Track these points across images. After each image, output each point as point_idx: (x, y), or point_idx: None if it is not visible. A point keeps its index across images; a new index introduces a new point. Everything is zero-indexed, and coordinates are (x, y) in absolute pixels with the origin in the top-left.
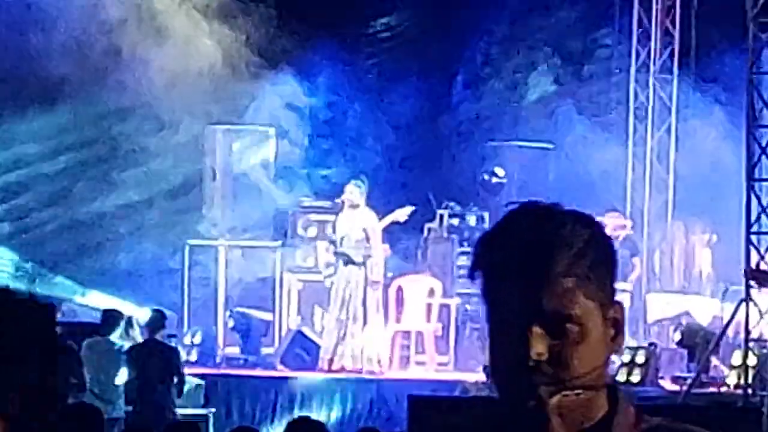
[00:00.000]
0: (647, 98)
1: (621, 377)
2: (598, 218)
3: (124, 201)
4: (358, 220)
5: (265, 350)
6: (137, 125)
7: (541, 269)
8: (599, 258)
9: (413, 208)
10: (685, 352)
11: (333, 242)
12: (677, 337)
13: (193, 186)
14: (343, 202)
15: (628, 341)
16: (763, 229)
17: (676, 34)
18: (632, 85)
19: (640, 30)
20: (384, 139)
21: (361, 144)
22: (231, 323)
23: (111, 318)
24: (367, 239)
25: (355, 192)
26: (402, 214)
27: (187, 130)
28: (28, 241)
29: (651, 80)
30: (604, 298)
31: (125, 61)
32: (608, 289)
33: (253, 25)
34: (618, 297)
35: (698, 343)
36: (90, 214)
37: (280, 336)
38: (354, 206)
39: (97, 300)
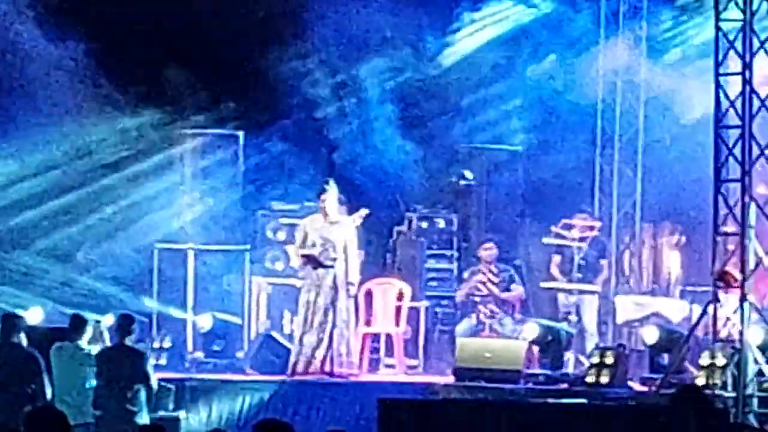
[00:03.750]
0: (614, 100)
1: (590, 378)
2: (565, 220)
3: (94, 202)
4: (332, 223)
5: (235, 354)
6: None
7: None
8: None
9: (367, 211)
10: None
11: (302, 246)
12: (652, 339)
13: (164, 190)
14: (319, 206)
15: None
16: (730, 231)
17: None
18: (600, 87)
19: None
20: (350, 141)
21: (328, 149)
22: (207, 327)
23: (79, 322)
24: (341, 243)
25: (330, 196)
26: (357, 217)
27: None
28: None
29: (619, 83)
30: None
31: None
32: None
33: None
34: (586, 298)
35: (674, 346)
36: (54, 215)
37: (249, 340)
38: (328, 209)
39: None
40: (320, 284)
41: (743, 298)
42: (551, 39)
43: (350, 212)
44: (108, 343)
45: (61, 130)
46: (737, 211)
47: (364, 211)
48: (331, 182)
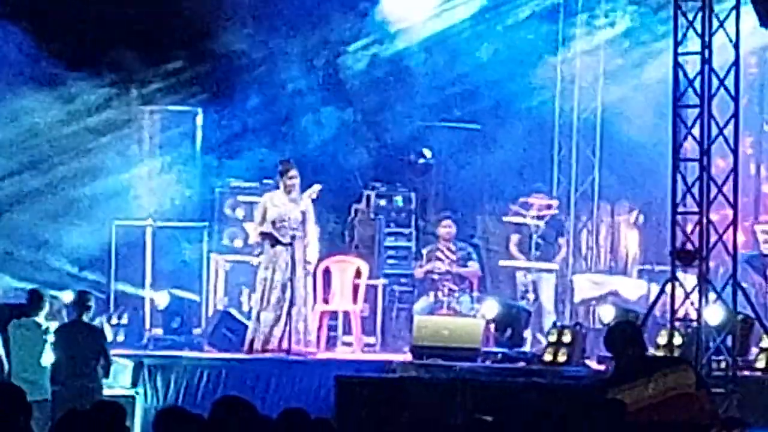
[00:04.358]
0: (573, 79)
1: (548, 357)
2: (523, 199)
3: (51, 181)
4: (292, 200)
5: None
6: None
7: None
8: None
9: (320, 186)
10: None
11: (262, 223)
12: (609, 317)
13: (122, 166)
14: (282, 183)
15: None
16: (689, 209)
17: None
18: (559, 67)
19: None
20: (306, 118)
21: (286, 125)
22: (164, 304)
23: (37, 298)
24: (303, 221)
25: (295, 173)
26: (312, 192)
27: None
28: None
29: (578, 62)
30: None
31: None
32: None
33: None
34: (544, 276)
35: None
36: (15, 192)
37: (206, 317)
38: (293, 187)
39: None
40: (278, 261)
41: (702, 277)
42: (509, 17)
43: (302, 189)
44: (65, 320)
45: (12, 107)
46: (695, 190)
47: (317, 187)
48: (291, 160)
